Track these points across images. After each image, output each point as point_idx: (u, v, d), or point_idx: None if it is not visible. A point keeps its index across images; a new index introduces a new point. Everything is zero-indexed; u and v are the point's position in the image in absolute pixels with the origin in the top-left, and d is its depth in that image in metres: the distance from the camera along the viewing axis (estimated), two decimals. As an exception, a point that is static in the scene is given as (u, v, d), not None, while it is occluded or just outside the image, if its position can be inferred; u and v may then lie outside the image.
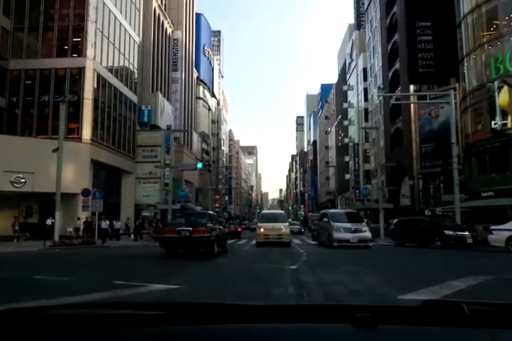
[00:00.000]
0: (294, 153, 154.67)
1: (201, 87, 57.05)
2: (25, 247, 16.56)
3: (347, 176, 55.76)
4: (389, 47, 40.54)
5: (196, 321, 0.99)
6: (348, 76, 62.10)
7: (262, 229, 17.33)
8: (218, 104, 73.56)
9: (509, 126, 21.83)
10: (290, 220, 35.49)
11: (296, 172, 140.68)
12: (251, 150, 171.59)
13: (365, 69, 50.75)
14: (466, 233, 15.80)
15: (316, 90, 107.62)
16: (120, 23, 29.28)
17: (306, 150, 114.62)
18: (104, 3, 26.68)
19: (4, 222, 21.26)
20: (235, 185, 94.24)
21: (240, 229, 32.62)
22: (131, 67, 31.52)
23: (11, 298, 4.87)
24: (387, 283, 6.41)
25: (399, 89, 37.07)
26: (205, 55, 59.93)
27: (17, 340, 0.92)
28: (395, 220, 21.39)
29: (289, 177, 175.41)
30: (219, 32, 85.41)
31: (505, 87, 21.10)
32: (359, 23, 57.63)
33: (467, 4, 25.36)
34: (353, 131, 53.28)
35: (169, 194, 27.04)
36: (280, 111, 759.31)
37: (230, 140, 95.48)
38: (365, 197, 36.62)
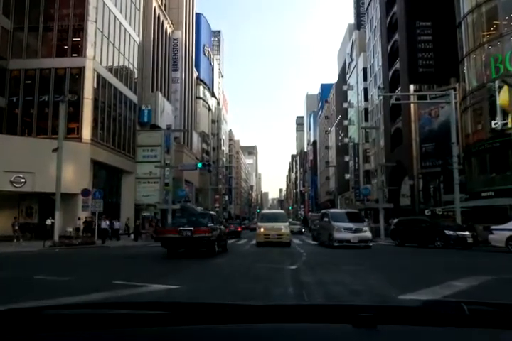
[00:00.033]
0: (294, 153, 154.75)
1: (201, 87, 57.05)
2: (25, 247, 16.56)
3: (347, 176, 55.77)
4: (389, 47, 40.54)
5: (196, 321, 0.99)
6: (348, 76, 62.10)
7: (262, 229, 17.32)
8: (218, 103, 73.57)
9: (510, 125, 21.83)
10: (290, 220, 35.49)
11: (296, 172, 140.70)
12: (251, 150, 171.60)
13: (365, 69, 50.75)
14: (467, 233, 15.79)
15: (316, 90, 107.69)
16: (120, 23, 29.28)
17: (306, 150, 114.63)
18: (104, 3, 26.68)
19: (4, 222, 21.26)
20: (235, 185, 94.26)
21: (239, 229, 32.64)
22: (131, 66, 31.52)
23: (11, 298, 4.87)
24: (388, 283, 6.41)
25: (399, 89, 37.07)
26: (205, 54, 59.93)
27: (17, 340, 0.92)
28: (395, 220, 21.39)
29: (289, 177, 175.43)
30: (219, 32, 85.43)
31: (506, 87, 21.10)
32: (359, 23, 57.62)
33: (467, 4, 25.36)
34: (353, 131, 53.28)
35: (169, 194, 27.05)
36: (280, 111, 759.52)
37: (230, 140, 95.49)
38: (365, 197, 36.64)
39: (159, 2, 39.31)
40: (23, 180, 21.55)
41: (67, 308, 1.32)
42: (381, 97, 40.99)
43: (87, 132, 24.63)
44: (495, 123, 22.46)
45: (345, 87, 61.52)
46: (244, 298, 5.14)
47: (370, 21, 50.20)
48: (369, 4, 51.38)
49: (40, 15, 25.66)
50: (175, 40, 44.44)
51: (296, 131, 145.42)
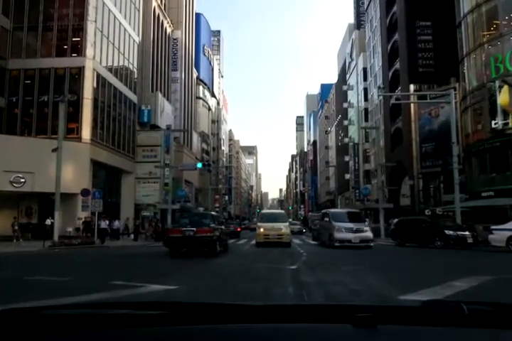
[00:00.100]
0: (294, 153, 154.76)
1: (201, 87, 57.04)
2: (25, 247, 16.56)
3: (347, 176, 55.77)
4: (389, 47, 40.54)
5: (196, 321, 0.99)
6: (348, 76, 62.10)
7: (261, 229, 17.28)
8: (218, 103, 73.56)
9: (511, 125, 21.84)
10: (290, 220, 35.47)
11: (296, 172, 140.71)
12: (251, 150, 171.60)
13: (365, 69, 50.75)
14: (467, 233, 15.79)
15: (316, 90, 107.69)
16: (120, 23, 29.27)
17: (306, 150, 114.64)
18: (103, 2, 26.67)
19: (4, 222, 21.25)
20: (235, 185, 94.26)
21: (239, 229, 32.65)
22: (130, 66, 31.52)
23: (11, 298, 4.87)
24: (388, 284, 6.41)
25: (399, 88, 37.07)
26: (204, 54, 59.92)
27: (17, 340, 0.92)
28: (395, 220, 21.38)
29: (289, 177, 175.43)
30: (219, 32, 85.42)
31: (506, 87, 21.10)
32: (359, 23, 57.62)
33: (467, 4, 25.36)
34: (353, 131, 53.28)
35: (169, 194, 27.05)
36: (280, 111, 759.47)
37: (230, 140, 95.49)
38: (365, 197, 36.67)
39: (159, 2, 39.30)
40: (22, 180, 21.55)
41: (66, 308, 1.32)
42: (381, 97, 40.99)
43: (86, 132, 24.62)
44: (495, 123, 22.46)
45: (345, 87, 61.52)
46: (244, 298, 5.14)
47: (370, 21, 50.20)
48: (369, 4, 51.38)
49: (39, 15, 25.65)
50: (174, 39, 44.43)
51: (296, 131, 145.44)
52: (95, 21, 25.55)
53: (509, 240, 13.79)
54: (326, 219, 17.69)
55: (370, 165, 47.92)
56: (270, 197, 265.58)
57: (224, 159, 79.95)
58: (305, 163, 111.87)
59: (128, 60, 30.75)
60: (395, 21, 39.62)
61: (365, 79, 50.79)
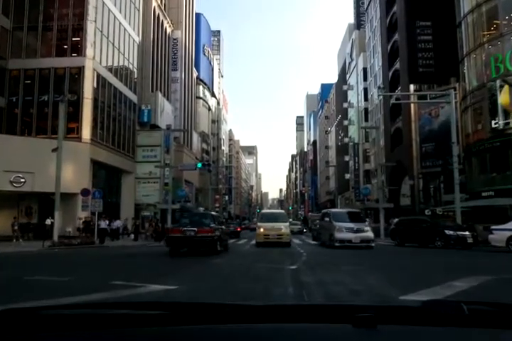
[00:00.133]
0: (294, 152, 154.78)
1: (201, 87, 57.05)
2: (25, 247, 16.56)
3: (347, 176, 55.78)
4: (389, 47, 40.54)
5: (196, 321, 0.99)
6: (348, 76, 62.11)
7: (261, 229, 17.26)
8: (218, 103, 73.56)
9: (511, 125, 21.84)
10: (291, 220, 35.44)
11: (296, 172, 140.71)
12: (251, 150, 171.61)
13: (365, 69, 50.75)
14: (467, 233, 15.77)
15: (316, 90, 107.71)
16: (120, 23, 29.27)
17: (306, 150, 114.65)
18: (103, 2, 26.67)
19: (3, 221, 21.25)
20: (235, 185, 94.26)
21: (239, 229, 32.63)
22: (130, 66, 31.52)
23: (11, 298, 4.87)
24: (388, 284, 6.40)
25: (399, 88, 37.08)
26: (204, 54, 59.92)
27: (17, 340, 0.92)
28: (395, 220, 21.37)
29: (289, 177, 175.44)
30: (219, 32, 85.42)
31: (506, 87, 21.09)
32: (359, 23, 57.62)
33: (467, 4, 25.36)
34: (353, 131, 53.29)
35: (169, 194, 27.04)
36: (280, 111, 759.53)
37: (230, 140, 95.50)
38: (365, 197, 36.67)
39: (159, 2, 39.31)
40: (22, 180, 21.55)
41: (66, 308, 1.32)
42: (381, 97, 41.00)
43: (86, 132, 24.63)
44: (495, 123, 22.47)
45: (345, 87, 61.53)
46: (244, 298, 5.14)
47: (370, 21, 50.20)
48: (369, 4, 51.37)
49: (39, 15, 25.65)
50: (174, 39, 44.43)
51: (296, 131, 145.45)
52: (95, 21, 25.55)
53: (509, 240, 13.78)
54: (327, 219, 17.59)
55: (370, 165, 47.92)
56: (270, 197, 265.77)
57: (224, 159, 79.95)
58: (305, 163, 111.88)
59: (128, 59, 30.75)
60: (395, 21, 39.62)
61: (365, 79, 50.80)
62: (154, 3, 37.51)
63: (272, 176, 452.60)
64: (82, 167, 23.64)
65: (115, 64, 28.81)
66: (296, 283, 6.45)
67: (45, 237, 17.89)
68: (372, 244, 15.87)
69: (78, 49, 25.38)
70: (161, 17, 40.14)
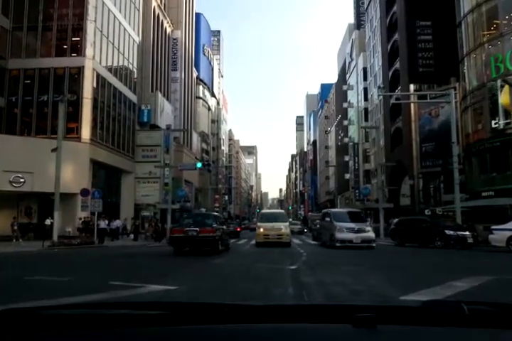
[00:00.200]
0: (294, 152, 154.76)
1: (201, 87, 57.04)
2: (24, 247, 16.55)
3: (347, 176, 55.79)
4: (389, 47, 40.54)
5: (196, 321, 0.99)
6: (347, 75, 62.11)
7: (261, 229, 17.22)
8: (218, 103, 73.56)
9: None
10: (291, 220, 35.37)
11: (296, 172, 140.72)
12: (251, 150, 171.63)
13: (365, 69, 50.75)
14: (467, 233, 15.77)
15: (315, 90, 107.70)
16: (119, 23, 29.27)
17: (306, 150, 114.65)
18: (103, 2, 26.66)
19: (3, 221, 21.25)
20: (235, 185, 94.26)
21: (239, 229, 32.61)
22: (130, 66, 31.51)
23: (11, 298, 4.87)
24: (389, 284, 6.40)
25: (399, 88, 37.08)
26: (204, 54, 59.91)
27: (17, 340, 0.92)
28: (395, 220, 21.37)
29: (288, 177, 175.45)
30: (218, 32, 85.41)
31: (506, 87, 21.09)
32: (359, 23, 57.62)
33: (467, 3, 25.37)
34: (353, 131, 53.29)
35: (169, 194, 27.03)
36: (280, 111, 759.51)
37: (230, 140, 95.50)
38: (365, 197, 36.65)
39: (159, 2, 39.30)
40: (22, 180, 21.54)
41: (66, 308, 1.32)
42: (381, 97, 40.99)
43: (86, 132, 24.62)
44: (495, 123, 22.47)
45: (345, 87, 61.53)
46: (244, 298, 5.14)
47: (370, 21, 50.20)
48: (369, 4, 51.37)
49: (39, 15, 25.64)
50: (174, 39, 44.43)
51: (296, 130, 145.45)
52: (95, 21, 25.54)
53: (509, 240, 13.78)
54: (327, 219, 17.47)
55: (370, 165, 47.92)
56: (270, 197, 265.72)
57: (224, 159, 79.95)
58: (305, 163, 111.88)
59: (128, 59, 30.75)
60: (395, 21, 39.62)
61: (365, 79, 50.80)
62: (154, 3, 37.51)
63: (271, 176, 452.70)
64: (82, 167, 23.63)
65: (115, 64, 28.80)
66: (296, 283, 6.45)
67: (44, 237, 17.89)
68: (374, 244, 15.78)
69: (78, 49, 25.37)
70: (161, 17, 40.13)
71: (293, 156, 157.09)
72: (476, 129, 25.15)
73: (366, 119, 49.53)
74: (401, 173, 36.15)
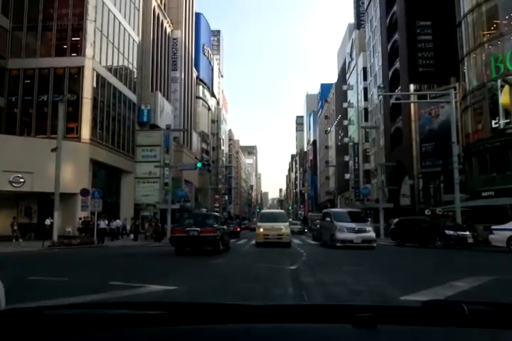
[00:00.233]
0: (294, 152, 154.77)
1: (201, 87, 57.04)
2: (24, 247, 16.55)
3: (347, 176, 55.79)
4: (389, 47, 40.54)
5: (196, 321, 0.99)
6: (347, 75, 62.11)
7: (261, 229, 17.18)
8: (218, 103, 73.56)
9: None
10: (291, 220, 35.30)
11: (296, 172, 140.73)
12: (251, 150, 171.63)
13: (365, 69, 50.75)
14: (467, 233, 15.77)
15: (315, 90, 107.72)
16: (119, 23, 29.26)
17: (305, 149, 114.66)
18: (103, 2, 26.66)
19: (3, 222, 21.24)
20: (235, 185, 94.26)
21: (239, 229, 32.58)
22: (130, 66, 31.51)
23: (11, 298, 4.86)
24: (389, 284, 6.40)
25: (399, 88, 37.08)
26: (204, 54, 59.91)
27: (17, 340, 0.92)
28: (396, 220, 21.36)
29: (288, 177, 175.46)
30: (218, 31, 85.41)
31: (506, 87, 21.10)
32: (359, 23, 57.62)
33: (467, 3, 25.37)
34: (353, 131, 53.29)
35: (169, 194, 27.04)
36: (280, 111, 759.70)
37: (230, 140, 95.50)
38: (365, 197, 36.66)
39: (159, 2, 39.30)
40: (22, 180, 21.54)
41: (67, 308, 1.32)
42: (381, 97, 40.99)
43: (86, 132, 24.62)
44: (495, 123, 22.47)
45: (345, 87, 61.53)
46: (244, 298, 5.14)
47: (370, 21, 50.20)
48: (369, 4, 51.37)
49: (39, 15, 25.63)
50: (174, 39, 44.43)
51: (296, 130, 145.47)
52: (95, 21, 25.54)
53: (509, 240, 13.78)
54: (328, 219, 17.41)
55: (370, 164, 47.92)
56: (270, 197, 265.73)
57: (224, 159, 79.95)
58: (305, 163, 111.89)
59: (128, 59, 30.74)
60: (395, 21, 39.62)
61: (365, 78, 50.80)
62: (154, 3, 37.51)
63: (271, 176, 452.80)
64: (82, 167, 23.62)
65: (115, 64, 28.80)
66: (296, 283, 6.45)
67: (44, 237, 17.88)
68: (374, 244, 15.75)
69: (78, 49, 25.37)
70: (161, 17, 40.13)
71: (293, 156, 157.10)
72: (476, 129, 25.15)
73: (366, 119, 49.52)
74: (401, 173, 36.15)
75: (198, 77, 55.39)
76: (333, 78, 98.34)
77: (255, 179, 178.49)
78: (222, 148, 78.10)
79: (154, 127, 34.38)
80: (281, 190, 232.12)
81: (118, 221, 25.48)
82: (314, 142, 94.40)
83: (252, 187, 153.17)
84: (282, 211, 25.32)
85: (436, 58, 33.90)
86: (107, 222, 21.97)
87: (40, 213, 23.50)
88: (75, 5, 25.62)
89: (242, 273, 7.95)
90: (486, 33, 24.11)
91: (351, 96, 58.25)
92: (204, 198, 53.85)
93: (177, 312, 1.09)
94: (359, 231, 15.76)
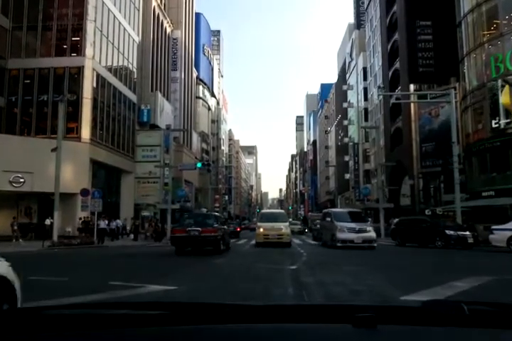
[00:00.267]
0: (294, 152, 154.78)
1: (201, 87, 57.05)
2: (24, 247, 16.55)
3: (347, 176, 55.79)
4: (389, 47, 40.54)
5: (196, 321, 0.99)
6: (347, 75, 62.12)
7: (261, 229, 17.15)
8: (218, 103, 73.56)
9: (512, 124, 21.85)
10: (291, 220, 35.27)
11: (296, 172, 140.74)
12: (251, 150, 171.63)
13: (365, 69, 50.75)
14: (467, 233, 15.76)
15: (315, 90, 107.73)
16: (119, 23, 29.27)
17: (306, 149, 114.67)
18: (103, 2, 26.66)
19: (3, 221, 21.24)
20: (235, 185, 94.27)
21: (238, 229, 32.58)
22: (130, 66, 31.51)
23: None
24: (389, 284, 6.40)
25: (399, 88, 37.08)
26: (204, 54, 59.92)
27: (17, 340, 0.92)
28: (396, 220, 21.36)
29: (288, 177, 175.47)
30: (218, 31, 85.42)
31: (507, 87, 21.10)
32: (359, 23, 57.62)
33: (467, 3, 25.36)
34: (353, 131, 53.30)
35: (169, 194, 27.04)
36: (280, 111, 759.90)
37: (230, 140, 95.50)
38: (365, 197, 36.69)
39: (158, 1, 39.30)
40: (22, 180, 21.54)
41: (67, 308, 1.32)
42: (381, 97, 40.99)
43: (86, 132, 24.62)
44: (496, 123, 22.46)
45: (345, 87, 61.53)
46: (244, 298, 5.14)
47: (370, 21, 50.19)
48: (369, 4, 51.37)
49: (39, 15, 25.63)
50: (174, 39, 44.43)
51: (296, 130, 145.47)
52: (95, 21, 25.54)
53: (510, 240, 13.78)
54: (328, 219, 17.36)
55: (370, 164, 47.92)
56: (270, 197, 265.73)
57: (224, 159, 79.96)
58: (305, 163, 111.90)
59: (127, 59, 30.75)
60: (395, 21, 39.62)
61: (365, 78, 50.80)
62: (154, 3, 37.51)
63: (271, 176, 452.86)
64: (82, 167, 23.62)
65: (115, 64, 28.80)
66: (296, 283, 6.45)
67: (44, 237, 17.88)
68: (375, 244, 15.72)
69: (78, 49, 25.37)
70: (161, 17, 40.13)
71: (293, 156, 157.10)
72: (476, 129, 25.15)
73: (366, 119, 49.52)
74: (401, 173, 36.15)
75: (198, 77, 55.39)
76: (333, 78, 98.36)
77: (255, 179, 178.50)
78: (222, 148, 78.10)
79: (154, 127, 34.38)
80: (281, 190, 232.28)
81: (118, 221, 25.48)
82: (314, 142, 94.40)
83: (252, 187, 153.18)
84: (282, 211, 25.31)
85: (436, 58, 33.90)
86: (106, 222, 21.97)
87: (40, 213, 23.50)
88: (74, 5, 25.62)
89: (242, 273, 7.95)
90: (486, 33, 24.11)
91: (351, 96, 58.25)
92: (204, 198, 53.85)
93: (177, 312, 1.09)
94: (360, 231, 15.72)
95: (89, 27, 25.24)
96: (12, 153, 20.94)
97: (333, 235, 16.07)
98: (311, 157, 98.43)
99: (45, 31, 25.74)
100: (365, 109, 50.51)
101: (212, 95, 66.74)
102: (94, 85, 25.63)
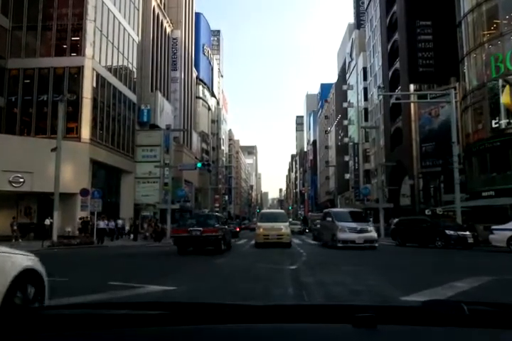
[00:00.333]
0: (294, 152, 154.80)
1: (201, 87, 57.05)
2: (24, 247, 16.54)
3: (347, 176, 55.81)
4: (389, 47, 40.54)
5: (196, 321, 0.99)
6: (347, 75, 62.12)
7: (261, 229, 17.07)
8: (218, 103, 73.56)
9: (512, 125, 21.84)
10: (291, 220, 35.26)
11: (296, 172, 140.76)
12: (251, 150, 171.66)
13: (365, 69, 50.76)
14: (467, 233, 15.75)
15: (315, 90, 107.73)
16: (119, 22, 29.27)
17: (305, 149, 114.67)
18: (103, 2, 26.66)
19: (3, 221, 21.24)
20: (235, 185, 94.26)
21: (238, 229, 32.55)
22: (130, 66, 31.51)
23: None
24: (389, 284, 6.40)
25: (399, 88, 37.08)
26: (204, 54, 59.92)
27: (17, 340, 0.92)
28: (396, 220, 21.35)
29: (288, 177, 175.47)
30: (218, 31, 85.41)
31: (507, 87, 21.09)
32: (359, 23, 57.62)
33: (467, 3, 25.37)
34: (353, 131, 53.30)
35: (168, 194, 27.05)
36: (280, 111, 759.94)
37: (230, 140, 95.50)
38: (365, 197, 36.67)
39: (158, 1, 39.29)
40: (21, 180, 21.54)
41: (67, 308, 1.32)
42: (381, 97, 41.00)
43: (86, 132, 24.62)
44: (496, 123, 22.47)
45: (345, 87, 61.54)
46: (244, 298, 5.14)
47: (370, 21, 50.20)
48: (369, 3, 51.37)
49: (38, 14, 25.63)
50: (174, 39, 44.43)
51: (296, 130, 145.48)
52: (94, 21, 25.54)
53: (510, 240, 13.77)
54: (329, 218, 17.17)
55: (370, 164, 47.93)
56: (270, 197, 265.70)
57: (224, 159, 79.96)
58: (305, 163, 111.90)
59: (127, 59, 30.75)
60: (395, 21, 39.62)
61: (365, 78, 50.80)
62: (154, 3, 37.50)
63: (271, 176, 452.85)
64: (82, 167, 23.62)
65: (114, 63, 28.80)
66: (296, 283, 6.45)
67: (44, 237, 17.88)
68: (376, 245, 15.60)
69: (77, 48, 25.37)
70: (161, 16, 40.13)
71: (293, 156, 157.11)
72: (476, 129, 25.15)
73: (366, 119, 49.53)
74: (401, 173, 36.15)
75: (197, 77, 55.39)
76: (333, 78, 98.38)
77: (255, 179, 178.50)
78: (222, 148, 78.10)
79: (154, 127, 34.38)
80: (281, 190, 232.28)
81: (119, 221, 25.46)
82: (314, 142, 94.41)
83: (252, 187, 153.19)
84: (282, 211, 25.29)
85: (436, 58, 33.90)
86: (106, 222, 21.98)
87: (39, 213, 23.50)
88: (74, 5, 25.62)
89: (242, 273, 7.95)
90: (486, 32, 24.11)
91: (351, 96, 58.25)
92: (204, 198, 53.86)
93: (177, 312, 1.09)
94: (361, 231, 15.57)
95: (89, 27, 25.24)
96: (12, 153, 20.94)
97: (333, 235, 15.93)
98: (311, 157, 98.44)
99: (45, 31, 25.74)
100: (365, 109, 50.51)
101: (212, 95, 66.74)
102: (94, 85, 25.63)
